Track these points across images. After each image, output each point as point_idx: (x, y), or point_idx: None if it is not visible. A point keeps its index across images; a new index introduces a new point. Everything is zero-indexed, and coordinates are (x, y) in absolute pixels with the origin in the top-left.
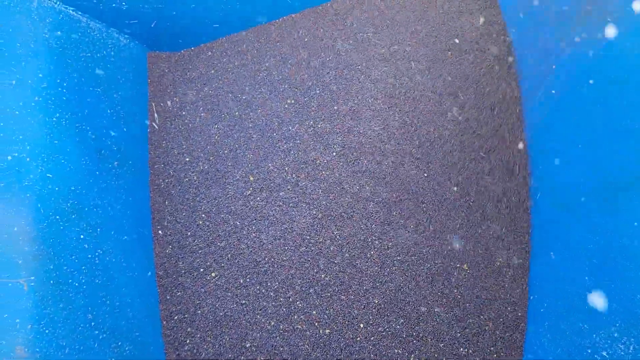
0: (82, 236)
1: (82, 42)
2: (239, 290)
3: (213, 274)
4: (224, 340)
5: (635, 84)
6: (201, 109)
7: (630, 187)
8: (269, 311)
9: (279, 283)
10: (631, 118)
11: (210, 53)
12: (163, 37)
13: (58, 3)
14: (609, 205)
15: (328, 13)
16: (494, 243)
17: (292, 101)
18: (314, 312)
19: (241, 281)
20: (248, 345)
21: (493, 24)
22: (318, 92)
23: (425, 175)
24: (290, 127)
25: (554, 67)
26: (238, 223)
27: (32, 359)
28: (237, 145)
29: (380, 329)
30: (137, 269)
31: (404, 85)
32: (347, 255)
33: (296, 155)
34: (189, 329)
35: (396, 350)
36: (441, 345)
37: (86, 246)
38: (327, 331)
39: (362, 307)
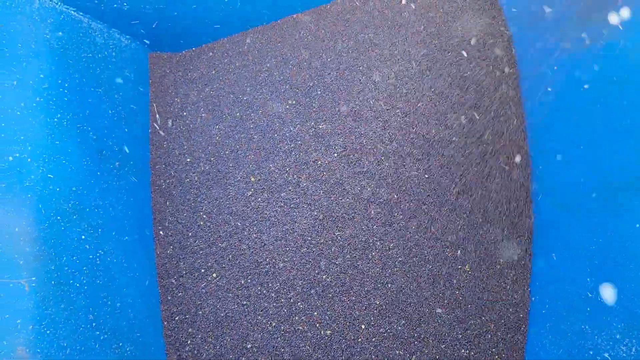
0: (83, 237)
1: (83, 43)
2: (240, 291)
3: (214, 275)
4: (225, 341)
5: (635, 84)
6: (202, 109)
7: (630, 188)
8: (270, 312)
9: (280, 284)
10: (631, 118)
11: (211, 54)
12: (164, 38)
13: (59, 4)
14: (610, 206)
15: (329, 14)
16: (495, 244)
17: (294, 102)
18: (315, 313)
19: (242, 282)
20: (249, 346)
21: (494, 25)
22: (319, 92)
23: (426, 176)
24: (291, 128)
25: (555, 67)
26: (239, 224)
27: (34, 359)
28: (238, 146)
29: (381, 330)
30: (138, 269)
31: (405, 86)
32: (348, 256)
33: (297, 156)
34: (190, 330)
35: (397, 352)
36: (442, 346)
37: (87, 247)
38: (329, 332)
39: (364, 308)
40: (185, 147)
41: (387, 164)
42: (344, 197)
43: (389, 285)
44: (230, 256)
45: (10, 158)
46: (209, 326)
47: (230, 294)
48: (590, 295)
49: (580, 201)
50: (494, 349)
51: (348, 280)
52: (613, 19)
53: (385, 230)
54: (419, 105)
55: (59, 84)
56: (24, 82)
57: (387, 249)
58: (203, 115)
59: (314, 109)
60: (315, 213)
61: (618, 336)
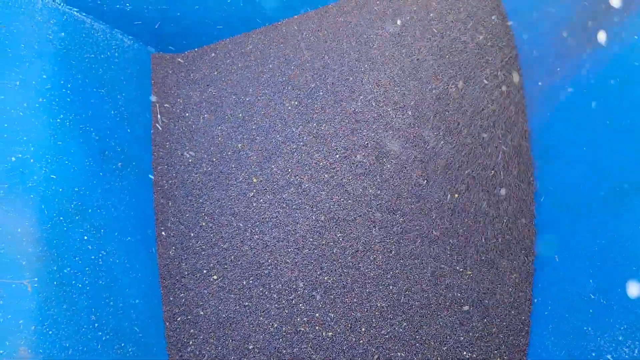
0: (85, 237)
1: (86, 43)
2: (241, 292)
3: (216, 276)
4: (226, 342)
5: (636, 84)
6: (204, 110)
7: (631, 188)
8: (272, 313)
9: (281, 285)
10: (632, 118)
11: (213, 54)
12: (167, 39)
13: (62, 4)
14: (612, 208)
15: (331, 15)
16: (497, 247)
17: (296, 103)
18: (317, 315)
19: (244, 283)
20: (251, 347)
21: (497, 26)
22: (321, 94)
23: (428, 178)
24: (293, 129)
25: (558, 69)
26: (241, 225)
27: (36, 359)
28: (240, 147)
29: (383, 331)
30: (141, 270)
31: (407, 87)
32: (349, 257)
33: (299, 157)
34: (192, 331)
35: (399, 354)
36: (444, 348)
37: (90, 247)
38: (330, 334)
39: (365, 310)
40: (187, 147)
41: (388, 166)
42: (345, 199)
43: (391, 287)
44: (232, 257)
45: (13, 159)
46: (211, 327)
47: (232, 295)
48: (592, 296)
49: (582, 202)
50: (496, 351)
51: (349, 282)
52: (614, 19)
53: (386, 232)
54: (420, 106)
55: (61, 85)
56: (27, 82)
57: (389, 251)
58: (205, 115)
59: (316, 110)
60: (317, 214)
61: (620, 338)
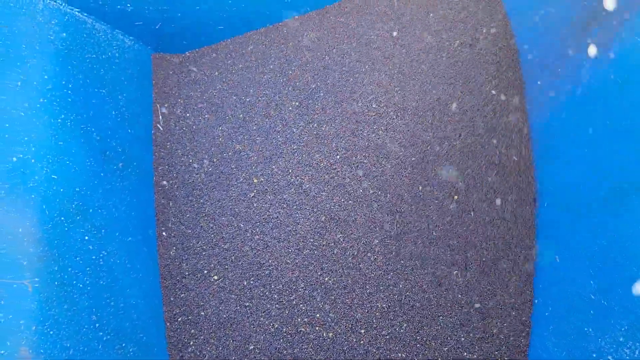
0: (86, 237)
1: (87, 44)
2: (242, 293)
3: (216, 276)
4: (227, 342)
5: (636, 84)
6: (205, 110)
7: (631, 188)
8: (273, 314)
9: (282, 285)
10: (632, 118)
11: (214, 55)
12: (168, 39)
13: (63, 4)
14: (612, 208)
15: (332, 15)
16: (497, 247)
17: (297, 103)
18: (318, 315)
19: (245, 283)
20: (251, 347)
21: (498, 27)
22: (322, 94)
23: (428, 179)
24: (294, 130)
25: (559, 70)
26: (242, 225)
27: (37, 359)
28: (241, 148)
29: (384, 332)
30: (142, 270)
31: (408, 88)
32: (350, 258)
33: (300, 158)
34: (192, 331)
35: (400, 354)
36: (445, 349)
37: (91, 247)
38: (331, 334)
39: (366, 310)
40: (188, 148)
41: (389, 167)
42: (346, 199)
43: (391, 288)
44: (233, 257)
45: (14, 159)
46: (212, 327)
47: (232, 296)
48: (593, 297)
49: (582, 202)
50: (496, 352)
51: (350, 283)
52: (614, 20)
53: (386, 232)
54: (421, 107)
55: (62, 85)
56: (28, 82)
57: (390, 251)
58: (206, 116)
59: (317, 111)
60: (318, 215)
61: (621, 339)
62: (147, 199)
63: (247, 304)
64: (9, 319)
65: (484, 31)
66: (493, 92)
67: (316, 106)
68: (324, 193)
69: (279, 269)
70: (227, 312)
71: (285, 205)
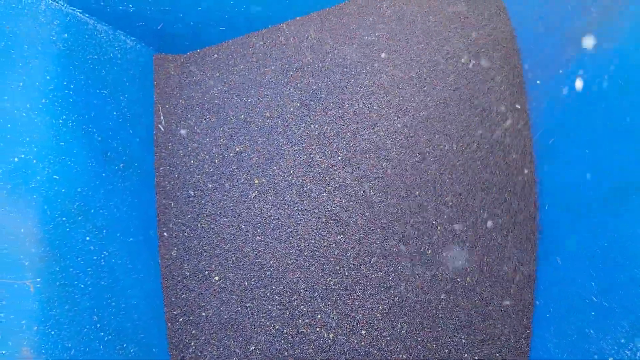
0: (88, 238)
1: (89, 44)
2: (243, 293)
3: (217, 277)
4: (228, 343)
5: (636, 84)
6: (207, 111)
7: (630, 188)
8: (273, 314)
9: (283, 286)
10: (632, 118)
11: (216, 56)
12: (169, 40)
13: (65, 5)
14: (612, 208)
15: (333, 17)
16: (498, 248)
17: (298, 104)
18: (319, 316)
19: (246, 284)
20: (252, 348)
21: (500, 30)
22: (323, 95)
23: (429, 181)
24: (295, 131)
25: (561, 71)
26: (243, 226)
27: None
28: (242, 148)
29: (385, 333)
30: (143, 270)
31: (409, 89)
32: (351, 259)
33: (301, 159)
34: (193, 332)
35: (401, 356)
36: (446, 351)
37: (92, 248)
38: (332, 335)
39: (367, 312)
40: (189, 148)
41: (390, 168)
42: (347, 201)
43: (392, 290)
44: (234, 258)
45: (16, 159)
46: (213, 328)
47: (233, 296)
48: (594, 299)
49: (582, 202)
50: (498, 354)
51: (351, 284)
52: (614, 21)
53: (388, 234)
54: (422, 108)
55: (64, 86)
56: (30, 83)
57: (390, 253)
58: (207, 117)
59: (318, 112)
60: (319, 216)
61: (623, 340)
62: (149, 200)
63: (248, 304)
64: (10, 319)
65: (485, 32)
66: (494, 92)
67: (317, 107)
68: (325, 194)
69: (280, 269)
70: (228, 312)
71: (286, 206)
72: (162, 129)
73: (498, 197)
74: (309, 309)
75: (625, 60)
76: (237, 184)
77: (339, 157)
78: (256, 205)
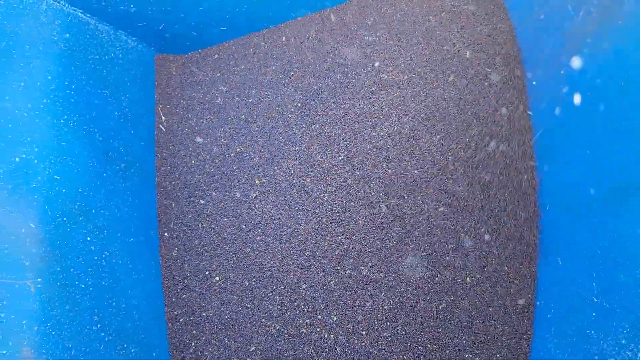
0: (88, 238)
1: (90, 45)
2: (244, 294)
3: (218, 277)
4: (229, 343)
5: (636, 84)
6: (208, 111)
7: (630, 188)
8: (274, 315)
9: (284, 287)
10: (632, 118)
11: (217, 56)
12: (171, 40)
13: (67, 5)
14: (612, 208)
15: (334, 17)
16: (499, 248)
17: (299, 105)
18: (319, 317)
19: (246, 284)
20: (253, 348)
21: (501, 30)
22: (324, 96)
23: (430, 181)
24: (296, 131)
25: (562, 72)
26: (243, 226)
27: None
28: (243, 149)
29: (385, 334)
30: (143, 271)
31: (409, 90)
32: (352, 260)
33: (302, 159)
34: (194, 332)
35: (401, 356)
36: (447, 351)
37: (93, 248)
38: (332, 336)
39: (367, 312)
40: (190, 149)
41: (390, 169)
42: (348, 201)
43: (393, 290)
44: (234, 258)
45: (17, 159)
46: (213, 328)
47: (234, 297)
48: (595, 299)
49: (582, 202)
50: (498, 355)
51: (352, 284)
52: (614, 21)
53: (388, 234)
54: (423, 108)
55: (65, 86)
56: (31, 83)
57: (390, 253)
58: (208, 117)
59: (319, 112)
60: (319, 216)
61: (624, 341)
62: (150, 200)
63: (249, 305)
64: (11, 319)
65: (486, 32)
66: (494, 92)
67: (318, 107)
68: (325, 194)
69: (281, 270)
70: (229, 313)
71: (287, 207)
72: (163, 129)
73: (498, 197)
74: (309, 309)
75: (625, 60)
76: (237, 184)
77: (340, 158)
78: (257, 206)
